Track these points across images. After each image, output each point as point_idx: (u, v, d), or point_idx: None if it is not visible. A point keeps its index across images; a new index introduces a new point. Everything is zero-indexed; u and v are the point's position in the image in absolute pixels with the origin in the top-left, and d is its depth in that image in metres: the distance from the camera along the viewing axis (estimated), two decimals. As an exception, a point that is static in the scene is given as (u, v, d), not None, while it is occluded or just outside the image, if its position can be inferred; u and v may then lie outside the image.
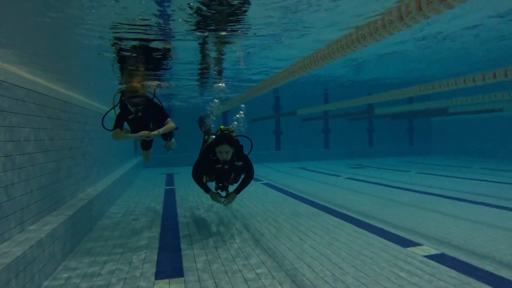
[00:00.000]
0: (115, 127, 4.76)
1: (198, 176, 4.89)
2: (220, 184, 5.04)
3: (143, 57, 4.74)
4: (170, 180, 11.14)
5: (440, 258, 3.75)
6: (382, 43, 3.98)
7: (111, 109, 4.90)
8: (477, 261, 3.67)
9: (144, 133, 4.68)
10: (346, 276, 3.35)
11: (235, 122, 7.14)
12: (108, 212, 6.40)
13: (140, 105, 4.65)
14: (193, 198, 7.57)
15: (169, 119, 4.99)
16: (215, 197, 4.91)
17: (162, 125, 4.89)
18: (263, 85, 6.85)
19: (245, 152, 4.90)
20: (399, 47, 5.98)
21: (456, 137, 17.84)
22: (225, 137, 4.51)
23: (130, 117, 4.78)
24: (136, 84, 4.72)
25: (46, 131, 4.39)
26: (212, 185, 5.05)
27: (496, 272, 3.35)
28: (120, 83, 6.17)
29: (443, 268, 3.49)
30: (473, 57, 7.14)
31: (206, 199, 4.98)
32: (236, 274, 3.49)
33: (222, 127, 4.76)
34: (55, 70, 4.49)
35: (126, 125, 4.94)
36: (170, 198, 7.84)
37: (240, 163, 4.78)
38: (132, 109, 4.68)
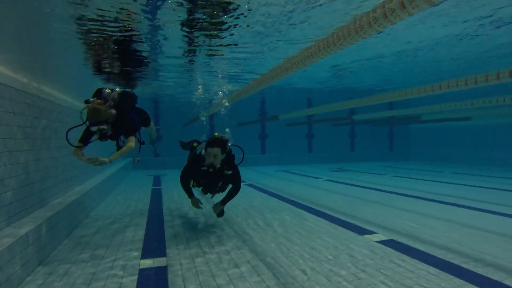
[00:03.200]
0: (80, 141, 4.45)
1: (185, 179, 5.01)
2: (206, 191, 5.15)
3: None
4: (157, 181, 11.60)
5: (388, 243, 4.37)
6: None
7: (76, 126, 4.46)
8: (418, 245, 4.29)
9: (94, 159, 4.32)
10: (306, 255, 3.94)
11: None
12: (95, 210, 6.85)
13: (106, 130, 4.31)
14: (178, 197, 8.07)
15: (132, 137, 4.73)
16: (196, 203, 5.03)
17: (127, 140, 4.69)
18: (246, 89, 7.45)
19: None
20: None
21: (432, 144, 18.73)
22: (218, 141, 4.61)
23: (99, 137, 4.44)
24: (98, 106, 4.22)
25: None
26: (198, 190, 5.23)
27: (428, 252, 4.01)
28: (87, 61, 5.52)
29: (389, 250, 4.10)
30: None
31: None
32: (216, 261, 4.04)
33: (216, 134, 4.80)
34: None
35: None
36: (156, 196, 8.33)
37: (229, 172, 4.81)
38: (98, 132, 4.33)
